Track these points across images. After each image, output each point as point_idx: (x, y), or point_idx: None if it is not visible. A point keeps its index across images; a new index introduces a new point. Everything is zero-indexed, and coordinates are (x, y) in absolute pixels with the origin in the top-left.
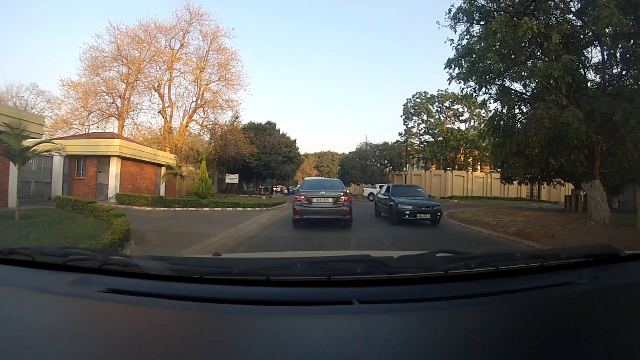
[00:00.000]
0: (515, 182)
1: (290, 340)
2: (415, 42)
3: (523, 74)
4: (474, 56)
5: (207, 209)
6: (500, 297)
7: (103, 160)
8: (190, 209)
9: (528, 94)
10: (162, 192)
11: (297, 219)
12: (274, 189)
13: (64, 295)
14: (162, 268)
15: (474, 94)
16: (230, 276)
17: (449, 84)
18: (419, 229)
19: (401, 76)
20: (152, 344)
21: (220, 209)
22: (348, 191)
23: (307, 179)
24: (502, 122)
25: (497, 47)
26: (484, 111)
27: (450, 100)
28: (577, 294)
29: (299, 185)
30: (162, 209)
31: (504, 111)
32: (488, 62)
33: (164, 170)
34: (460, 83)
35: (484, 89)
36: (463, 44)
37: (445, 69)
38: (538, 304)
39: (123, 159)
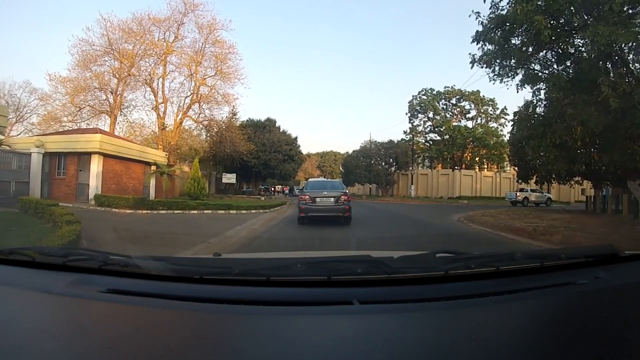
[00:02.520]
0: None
1: (290, 340)
2: (415, 41)
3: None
4: (509, 27)
5: (195, 212)
6: (500, 297)
7: (84, 158)
8: (175, 211)
9: (571, 71)
10: (152, 193)
11: (302, 216)
12: (274, 189)
13: (64, 295)
14: (162, 268)
15: (507, 76)
16: (230, 276)
17: (471, 67)
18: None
19: (403, 75)
20: (152, 344)
21: (210, 211)
22: (347, 191)
23: (310, 180)
24: (539, 109)
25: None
26: (491, 108)
27: (457, 97)
28: (577, 294)
29: (301, 185)
30: (144, 211)
31: (541, 95)
32: (522, 40)
33: (153, 168)
34: (483, 67)
35: (519, 67)
36: (494, 15)
37: (472, 42)
38: (538, 304)
39: (105, 155)
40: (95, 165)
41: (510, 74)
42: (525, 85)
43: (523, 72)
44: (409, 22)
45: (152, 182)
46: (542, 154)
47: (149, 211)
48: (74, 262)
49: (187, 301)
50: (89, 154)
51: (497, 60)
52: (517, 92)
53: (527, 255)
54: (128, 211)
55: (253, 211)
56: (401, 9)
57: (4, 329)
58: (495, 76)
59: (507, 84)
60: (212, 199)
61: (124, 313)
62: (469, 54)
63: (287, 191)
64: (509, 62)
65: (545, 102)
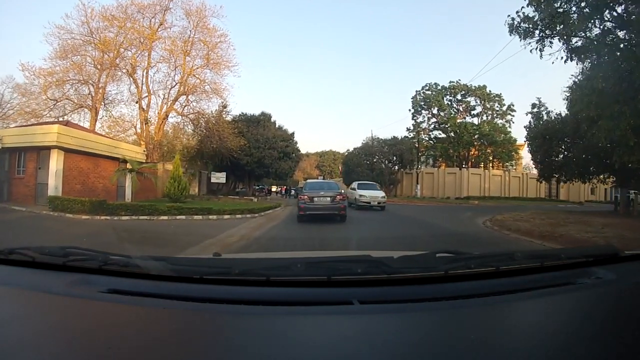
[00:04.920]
0: (532, 181)
1: (290, 340)
2: (415, 39)
3: None
4: None
5: (164, 217)
6: (500, 297)
7: (43, 154)
8: (141, 217)
9: None
10: (128, 194)
11: (301, 214)
12: (271, 189)
13: (64, 295)
14: (162, 268)
15: (565, 36)
16: (230, 276)
17: (510, 34)
18: None
19: (402, 74)
20: (152, 344)
21: (184, 216)
22: (342, 191)
23: (308, 181)
24: (606, 83)
25: None
26: (497, 104)
27: (462, 92)
28: (577, 294)
29: (299, 185)
30: (102, 217)
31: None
32: None
33: (129, 166)
34: (522, 37)
35: (594, 16)
36: None
37: None
38: (538, 304)
39: (66, 150)
40: (55, 162)
41: (575, 30)
42: (591, 54)
43: (595, 29)
44: (408, 21)
45: (128, 181)
46: (620, 141)
47: (107, 217)
48: (74, 262)
49: (187, 301)
50: (48, 148)
51: (549, 19)
52: (576, 63)
53: (527, 255)
54: (84, 217)
55: (238, 216)
56: (400, 7)
57: (4, 329)
58: (541, 42)
59: (554, 55)
60: (197, 200)
61: (124, 313)
62: (508, 16)
63: (283, 192)
64: (570, 18)
65: (611, 74)
